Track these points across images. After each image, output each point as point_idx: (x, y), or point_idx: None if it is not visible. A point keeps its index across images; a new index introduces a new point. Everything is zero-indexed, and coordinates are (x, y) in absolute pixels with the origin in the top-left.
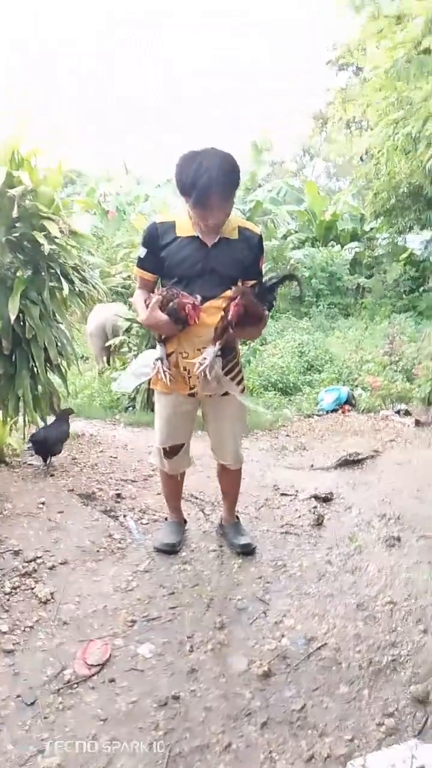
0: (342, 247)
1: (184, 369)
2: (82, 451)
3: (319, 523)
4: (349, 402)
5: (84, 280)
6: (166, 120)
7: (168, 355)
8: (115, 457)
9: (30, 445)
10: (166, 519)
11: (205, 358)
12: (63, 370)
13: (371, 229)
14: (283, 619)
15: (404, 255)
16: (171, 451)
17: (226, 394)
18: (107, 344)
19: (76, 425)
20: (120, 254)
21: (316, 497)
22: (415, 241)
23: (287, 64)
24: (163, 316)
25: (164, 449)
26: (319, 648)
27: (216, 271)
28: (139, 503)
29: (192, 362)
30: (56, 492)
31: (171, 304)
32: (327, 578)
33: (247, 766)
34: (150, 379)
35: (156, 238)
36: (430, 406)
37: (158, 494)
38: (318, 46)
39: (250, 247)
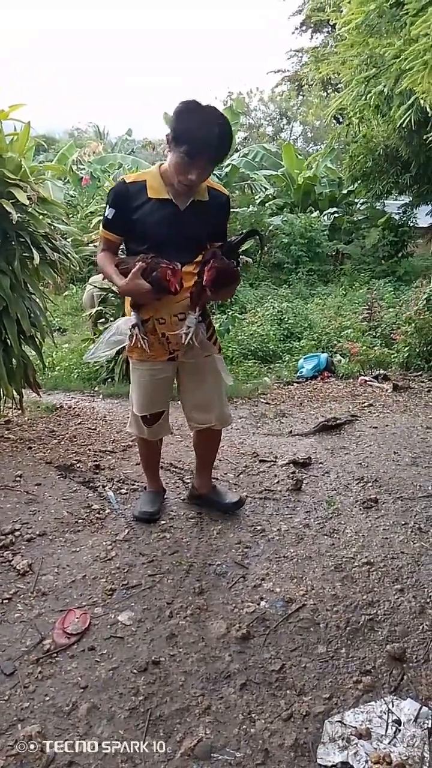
0: (320, 212)
1: (162, 335)
2: (60, 424)
3: (297, 487)
4: (329, 368)
5: (56, 249)
6: (138, 84)
7: (144, 322)
8: (94, 429)
9: None
10: (145, 488)
11: (189, 327)
12: (37, 343)
13: (349, 193)
14: (262, 583)
15: (382, 220)
16: (151, 419)
17: (207, 356)
18: (85, 314)
19: (54, 398)
20: (94, 222)
21: (294, 462)
22: (393, 206)
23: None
24: (146, 285)
25: (144, 417)
26: (297, 609)
27: (190, 236)
28: (118, 474)
29: (173, 333)
30: (33, 465)
31: (154, 273)
32: (305, 541)
33: (227, 728)
34: (126, 348)
35: (126, 198)
36: (408, 371)
37: (137, 464)
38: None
39: (220, 209)
